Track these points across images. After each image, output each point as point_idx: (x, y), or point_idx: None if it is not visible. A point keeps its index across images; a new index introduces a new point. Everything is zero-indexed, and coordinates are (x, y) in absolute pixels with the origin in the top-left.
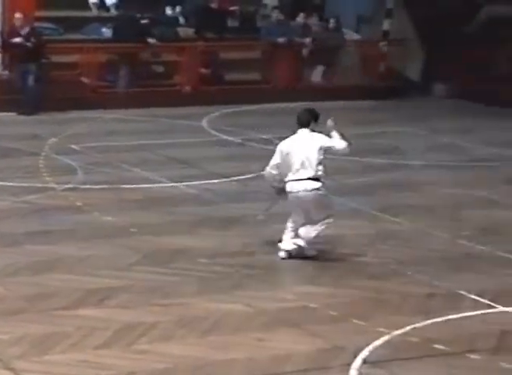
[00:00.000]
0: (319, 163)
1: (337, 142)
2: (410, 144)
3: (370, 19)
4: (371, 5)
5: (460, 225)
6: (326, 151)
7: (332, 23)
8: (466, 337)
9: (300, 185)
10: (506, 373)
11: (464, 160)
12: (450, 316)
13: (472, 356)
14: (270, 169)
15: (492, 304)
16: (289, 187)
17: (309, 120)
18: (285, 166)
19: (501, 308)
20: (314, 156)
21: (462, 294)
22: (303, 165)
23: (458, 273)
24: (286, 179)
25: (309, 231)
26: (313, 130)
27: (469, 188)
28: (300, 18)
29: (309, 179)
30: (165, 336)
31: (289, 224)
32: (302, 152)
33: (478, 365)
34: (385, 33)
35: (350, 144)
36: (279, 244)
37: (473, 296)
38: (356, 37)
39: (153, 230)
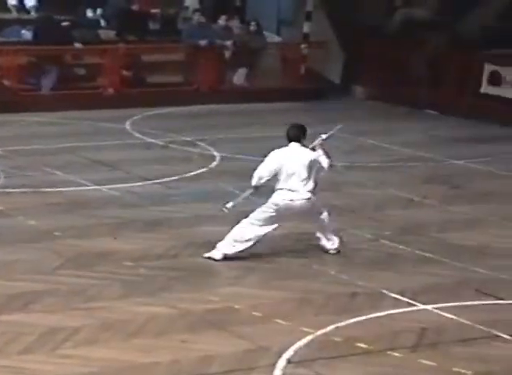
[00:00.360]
0: (310, 177)
1: (324, 160)
2: (332, 146)
3: (290, 21)
4: (292, 7)
5: (382, 225)
6: (316, 167)
7: (253, 25)
8: (387, 336)
9: (291, 194)
10: (425, 369)
11: (384, 161)
12: (372, 315)
13: (393, 354)
14: (257, 180)
15: (412, 302)
16: (279, 194)
17: (299, 136)
18: (276, 176)
19: (421, 306)
20: (305, 169)
21: (384, 293)
22: (294, 175)
23: (380, 272)
24: (277, 187)
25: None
26: (303, 146)
27: (390, 189)
28: (222, 20)
29: (300, 190)
30: (90, 340)
31: (241, 234)
32: (294, 164)
33: (398, 362)
34: (306, 36)
35: (331, 165)
36: (218, 245)
37: (394, 295)
38: (277, 39)
39: (77, 233)
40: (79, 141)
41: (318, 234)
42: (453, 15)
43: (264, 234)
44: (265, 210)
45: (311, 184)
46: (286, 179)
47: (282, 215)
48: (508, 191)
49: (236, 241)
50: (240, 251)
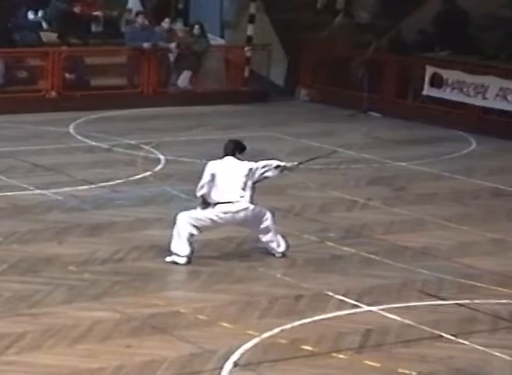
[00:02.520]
0: (246, 186)
1: (269, 170)
2: (275, 148)
3: (234, 24)
4: (235, 10)
5: (327, 227)
6: (255, 175)
7: (196, 28)
8: (332, 337)
9: (231, 207)
10: (370, 370)
11: (328, 163)
12: (317, 317)
13: (338, 356)
14: (199, 190)
15: (357, 303)
16: (220, 209)
17: (233, 150)
18: (212, 187)
19: (365, 308)
20: (242, 180)
21: (329, 295)
22: (230, 187)
23: (325, 274)
24: (214, 199)
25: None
26: (239, 159)
27: (334, 191)
28: (165, 23)
29: (238, 201)
30: (34, 346)
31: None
32: (229, 175)
33: (343, 364)
34: (249, 39)
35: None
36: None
37: (339, 297)
38: (221, 42)
39: (20, 238)
40: (21, 144)
41: (264, 238)
42: (393, 18)
43: (197, 235)
44: (206, 218)
45: (248, 193)
46: (223, 191)
47: (220, 225)
48: (450, 192)
49: (184, 237)
50: (192, 250)
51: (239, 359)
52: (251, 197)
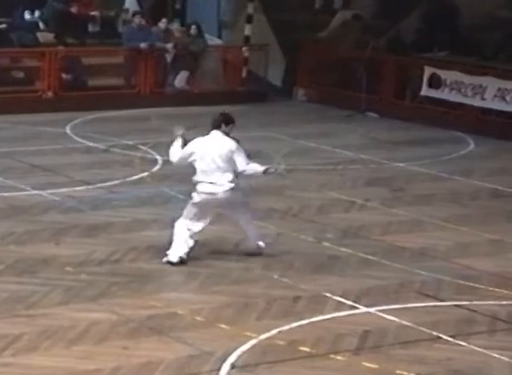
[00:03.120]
0: (229, 167)
1: (249, 166)
2: (273, 149)
3: (231, 24)
4: (232, 10)
5: (324, 228)
6: (238, 160)
7: (193, 28)
8: (330, 339)
9: (211, 187)
10: (368, 372)
11: (326, 164)
12: (315, 318)
13: (336, 357)
14: (173, 157)
15: (355, 305)
16: (200, 187)
17: (219, 122)
18: (196, 166)
19: (363, 309)
20: (224, 160)
21: (326, 297)
22: (212, 166)
23: (323, 275)
24: (197, 179)
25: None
26: (226, 134)
27: (332, 191)
28: (163, 23)
29: (221, 183)
30: (30, 347)
31: (184, 231)
32: (212, 153)
33: (341, 366)
34: (247, 39)
35: (244, 171)
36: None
37: (337, 298)
38: (218, 42)
39: (16, 239)
40: (18, 145)
41: (246, 227)
42: (392, 18)
43: (200, 231)
44: (190, 208)
45: (230, 175)
46: (205, 170)
47: (207, 209)
48: (448, 193)
49: (183, 239)
50: (190, 249)
51: (236, 361)
52: (234, 180)
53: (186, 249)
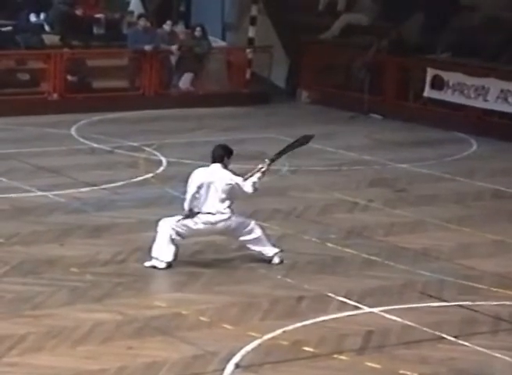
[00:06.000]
0: (228, 197)
1: (247, 185)
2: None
3: (235, 26)
4: (236, 12)
5: (328, 229)
6: (236, 189)
7: (197, 30)
8: (333, 339)
9: (211, 218)
10: (371, 372)
11: (329, 165)
12: (319, 319)
13: (339, 357)
14: (187, 203)
15: (358, 305)
16: (199, 219)
17: (222, 156)
18: (195, 196)
19: (366, 309)
20: (224, 191)
21: (330, 297)
22: (212, 197)
23: (326, 275)
24: (196, 208)
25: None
26: (225, 167)
27: (335, 192)
28: (167, 26)
29: (219, 212)
30: (36, 347)
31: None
32: (213, 186)
33: (344, 366)
34: (251, 40)
35: (255, 189)
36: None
37: (340, 298)
38: (222, 44)
39: (22, 240)
40: (23, 146)
41: (254, 248)
42: (395, 20)
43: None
44: (186, 227)
45: (227, 203)
46: (205, 200)
47: (205, 235)
48: (451, 194)
49: (166, 242)
50: (175, 254)
51: (240, 361)
52: (230, 206)
53: (171, 254)
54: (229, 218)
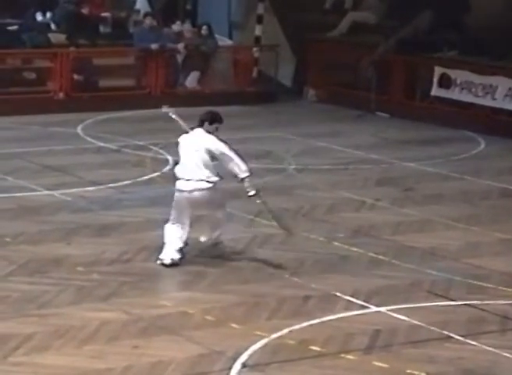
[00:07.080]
0: (207, 165)
1: (231, 163)
2: (283, 149)
3: (242, 25)
4: (243, 11)
5: (335, 227)
6: (214, 157)
7: (204, 29)
8: (341, 338)
9: (186, 184)
10: (378, 371)
11: (336, 163)
12: (326, 318)
13: (347, 356)
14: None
15: (366, 304)
16: (177, 184)
17: (202, 121)
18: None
19: (373, 309)
20: (202, 157)
21: (337, 296)
22: (189, 162)
23: (333, 274)
24: (177, 175)
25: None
26: (209, 133)
27: (342, 191)
28: (176, 26)
29: (196, 179)
30: (42, 347)
31: (174, 232)
32: (190, 150)
33: (352, 365)
34: (257, 39)
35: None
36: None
37: (347, 297)
38: (229, 42)
39: (28, 239)
40: (29, 145)
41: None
42: (402, 18)
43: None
44: (173, 208)
45: (207, 173)
46: (183, 165)
47: (185, 207)
48: (458, 193)
49: (173, 241)
50: (180, 251)
51: (247, 360)
52: (213, 178)
53: (176, 252)
54: (209, 189)
